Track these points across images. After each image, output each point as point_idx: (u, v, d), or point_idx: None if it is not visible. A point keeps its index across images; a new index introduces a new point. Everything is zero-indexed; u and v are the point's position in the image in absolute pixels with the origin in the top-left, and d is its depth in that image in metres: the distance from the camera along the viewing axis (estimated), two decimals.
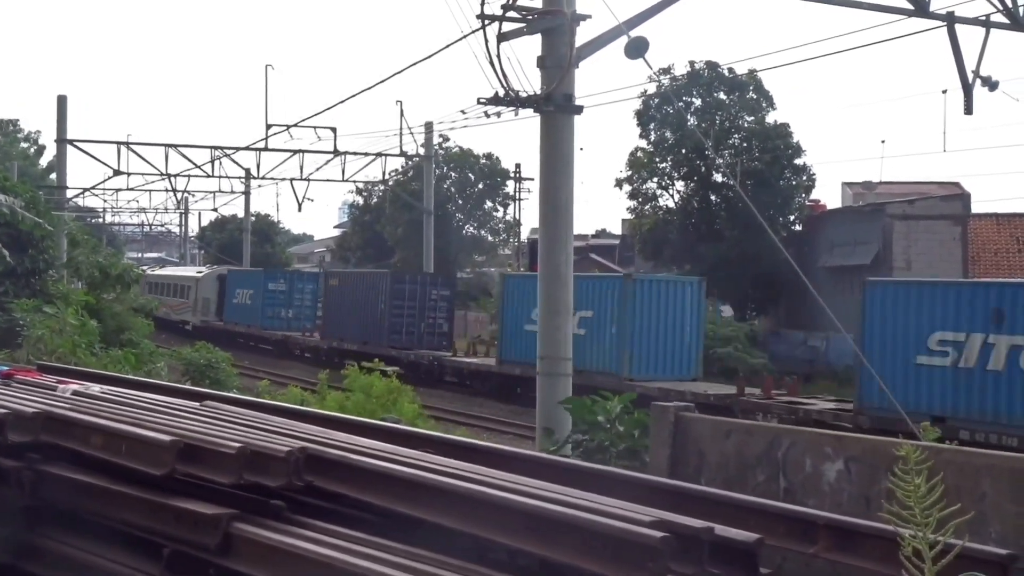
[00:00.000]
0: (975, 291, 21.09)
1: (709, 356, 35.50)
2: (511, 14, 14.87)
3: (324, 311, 43.53)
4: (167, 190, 51.04)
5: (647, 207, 46.82)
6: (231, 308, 50.58)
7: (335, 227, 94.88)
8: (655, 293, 28.70)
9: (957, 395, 20.39)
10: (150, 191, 56.65)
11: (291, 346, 44.34)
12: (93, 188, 52.24)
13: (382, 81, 29.00)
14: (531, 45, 15.14)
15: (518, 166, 60.49)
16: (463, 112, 30.65)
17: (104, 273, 26.73)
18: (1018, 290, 20.37)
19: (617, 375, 27.02)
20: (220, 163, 44.45)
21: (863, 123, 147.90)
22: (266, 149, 40.94)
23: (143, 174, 44.32)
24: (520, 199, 60.75)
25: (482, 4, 14.86)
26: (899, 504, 2.74)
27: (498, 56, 14.89)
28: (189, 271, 61.29)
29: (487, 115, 20.86)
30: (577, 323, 27.48)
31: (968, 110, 17.21)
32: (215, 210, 68.33)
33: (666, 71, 43.71)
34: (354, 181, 50.49)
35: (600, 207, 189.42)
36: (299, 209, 69.79)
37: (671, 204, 46.43)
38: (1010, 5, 16.67)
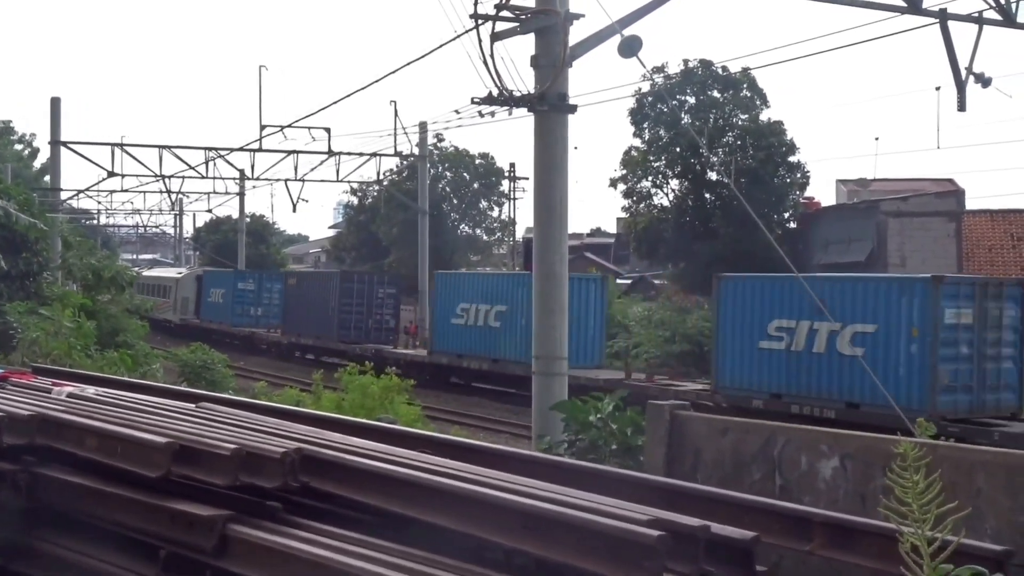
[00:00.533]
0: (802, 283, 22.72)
1: (706, 353, 35.66)
2: (504, 13, 14.87)
3: (284, 309, 46.25)
4: (161, 191, 51.05)
5: (642, 206, 46.84)
6: (207, 307, 53.13)
7: (330, 227, 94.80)
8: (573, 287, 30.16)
9: (790, 374, 23.05)
10: (144, 192, 56.89)
11: (256, 341, 46.46)
12: (87, 190, 52.22)
13: (376, 81, 28.93)
14: (525, 44, 15.15)
15: (512, 165, 60.52)
16: (457, 112, 30.61)
17: (97, 275, 26.69)
18: (835, 283, 23.38)
19: (526, 363, 27.58)
20: (214, 164, 44.38)
21: (857, 120, 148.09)
22: (260, 150, 40.88)
23: (137, 175, 44.19)
24: (515, 198, 60.79)
25: (475, 4, 14.87)
26: (897, 501, 2.74)
27: (492, 56, 14.89)
28: (171, 272, 63.56)
29: (481, 115, 20.85)
30: (494, 316, 32.37)
31: (961, 107, 17.22)
32: (210, 211, 68.24)
33: (660, 70, 43.72)
34: (349, 181, 50.54)
35: (595, 206, 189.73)
36: (294, 210, 69.91)
37: (666, 202, 46.48)
38: (1003, 1, 16.68)
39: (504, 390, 31.61)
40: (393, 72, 40.82)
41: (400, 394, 16.81)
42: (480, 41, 14.89)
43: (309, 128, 38.88)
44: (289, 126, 38.03)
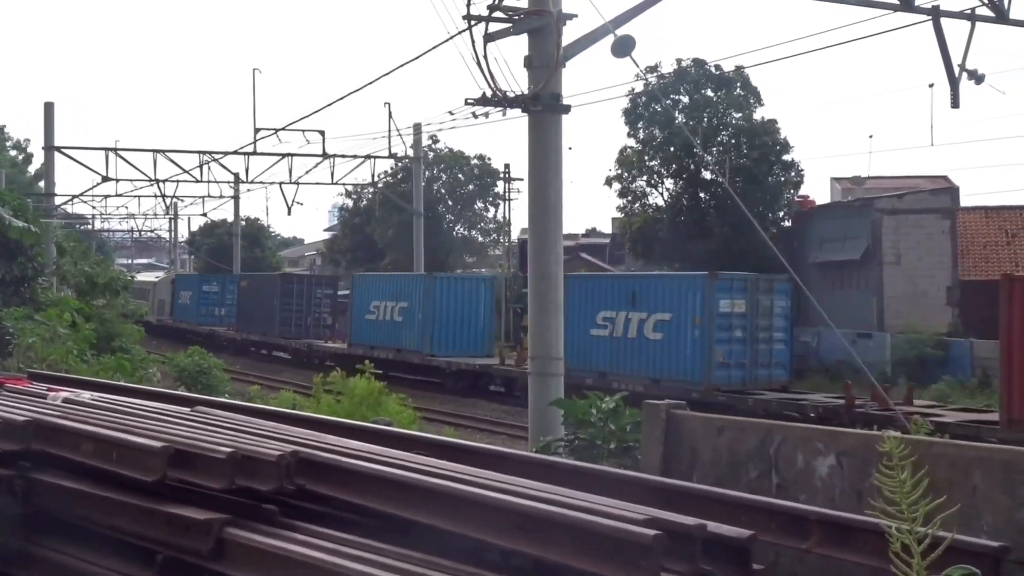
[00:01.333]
0: (620, 281, 31.14)
1: None
2: (497, 14, 14.87)
3: (238, 308, 50.46)
4: (156, 196, 51.01)
5: (637, 205, 46.86)
6: (179, 308, 57.90)
7: (325, 230, 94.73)
8: (453, 288, 35.88)
9: (612, 356, 27.81)
10: (139, 197, 56.71)
11: (216, 338, 49.29)
12: (82, 195, 52.12)
13: (370, 83, 29.01)
14: (518, 45, 15.15)
15: (507, 166, 60.53)
16: (451, 113, 30.76)
17: (92, 281, 26.66)
18: (642, 280, 29.39)
19: (421, 352, 34.65)
20: (209, 168, 44.38)
21: (851, 118, 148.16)
22: (255, 153, 40.84)
23: (132, 180, 44.13)
24: (510, 199, 60.78)
25: (468, 5, 14.87)
26: (885, 500, 2.74)
27: (485, 57, 14.89)
28: (150, 276, 67.50)
29: (475, 116, 20.86)
30: (397, 312, 36.45)
31: (955, 104, 17.24)
32: (204, 215, 68.25)
33: (653, 69, 43.76)
34: (343, 184, 50.48)
35: (590, 206, 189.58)
36: (289, 213, 69.63)
37: (660, 202, 46.47)
38: None
39: (406, 376, 34.66)
40: (387, 74, 41.00)
41: (385, 396, 16.75)
42: (473, 42, 14.90)
43: (303, 131, 38.90)
44: (283, 129, 38.05)
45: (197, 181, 45.02)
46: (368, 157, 43.40)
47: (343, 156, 42.61)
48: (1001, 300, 19.60)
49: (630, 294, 27.88)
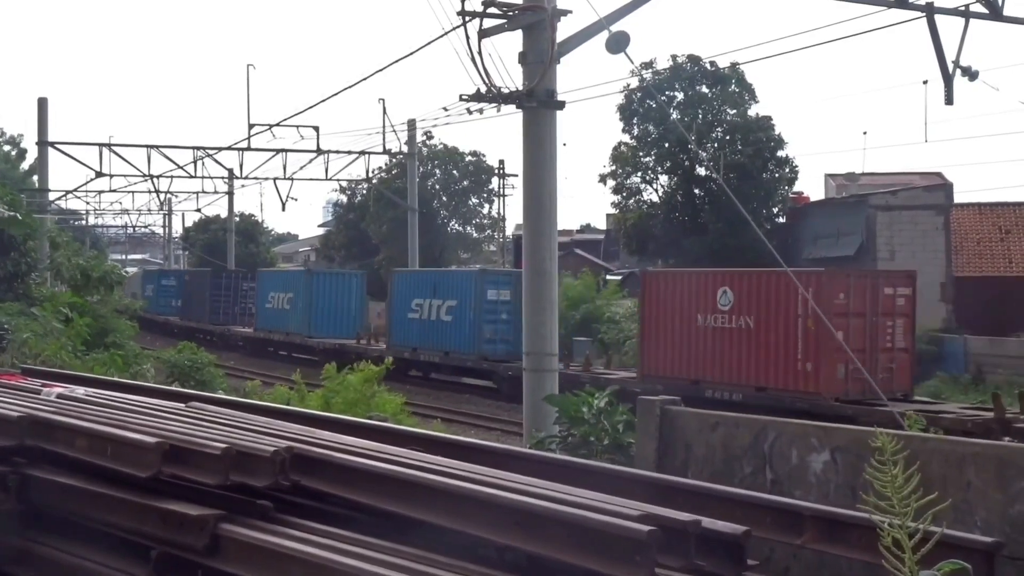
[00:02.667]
0: (426, 274, 37.95)
1: None
2: (492, 10, 14.87)
3: (183, 299, 56.48)
4: (150, 191, 50.89)
5: (631, 201, 46.85)
6: (145, 300, 62.26)
7: (319, 226, 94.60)
8: (329, 282, 42.79)
9: (422, 334, 34.88)
10: (133, 192, 56.73)
11: (170, 326, 55.37)
12: (75, 190, 52.13)
13: (364, 79, 28.89)
14: (512, 41, 15.15)
15: (502, 162, 60.48)
16: (445, 109, 30.74)
17: (86, 276, 26.60)
18: (440, 274, 38.08)
19: (302, 334, 41.28)
20: (203, 163, 44.33)
21: (845, 115, 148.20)
22: (249, 149, 40.83)
23: (126, 175, 44.12)
24: (504, 195, 60.76)
25: (463, 1, 14.87)
26: (877, 495, 2.74)
27: (479, 53, 14.90)
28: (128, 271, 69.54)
29: (470, 112, 20.87)
30: (286, 301, 42.94)
31: (949, 100, 17.27)
32: (198, 211, 68.05)
33: (648, 65, 43.71)
34: (338, 180, 50.44)
35: (584, 202, 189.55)
36: (283, 208, 69.83)
37: (655, 198, 46.48)
38: None
39: (291, 355, 42.03)
40: (381, 70, 40.68)
41: (377, 384, 16.70)
42: (468, 38, 14.90)
43: (298, 127, 38.90)
44: (277, 125, 38.05)
45: (191, 177, 45.02)
46: (362, 153, 43.39)
47: (337, 152, 42.62)
48: None
49: (433, 285, 35.26)
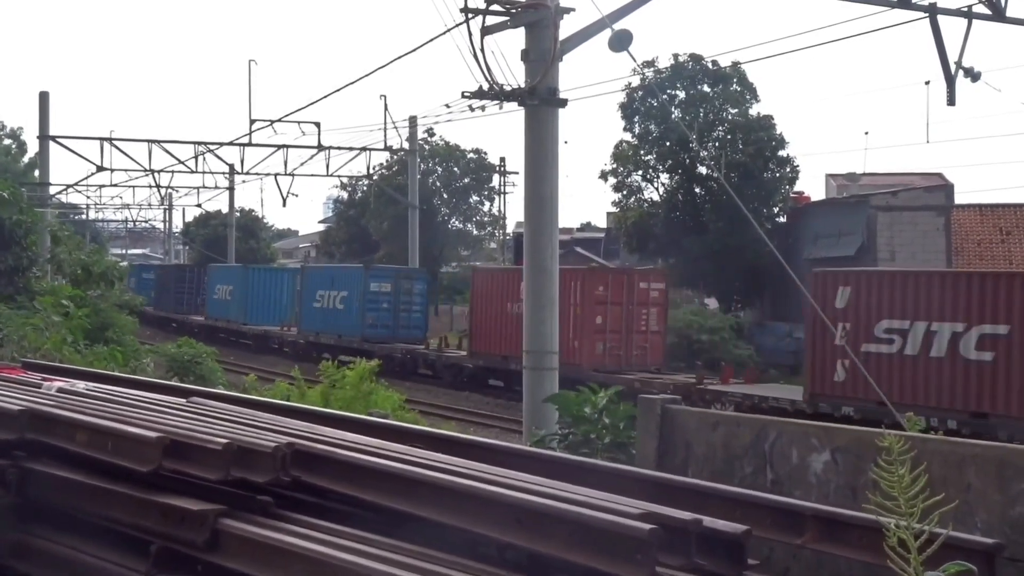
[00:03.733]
0: (327, 270, 46.21)
1: (694, 347, 35.83)
2: (495, 7, 14.87)
3: (156, 291, 60.83)
4: (151, 186, 51.04)
5: (632, 200, 46.83)
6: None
7: (320, 222, 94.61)
8: (263, 276, 49.08)
9: (324, 320, 40.87)
10: (134, 187, 56.81)
11: (145, 315, 59.27)
12: (76, 184, 52.13)
13: (366, 75, 28.98)
14: (515, 38, 15.16)
15: (503, 160, 60.53)
16: (447, 106, 30.70)
17: (87, 271, 26.58)
18: (336, 270, 45.19)
19: (238, 322, 47.57)
20: (204, 158, 44.43)
21: (846, 115, 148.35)
22: (250, 144, 40.89)
23: (126, 170, 44.20)
24: (505, 193, 60.76)
25: None
26: (883, 495, 2.74)
27: (482, 50, 14.90)
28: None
29: (471, 109, 20.86)
30: (228, 293, 49.18)
31: (951, 101, 17.28)
32: (199, 206, 68.19)
33: (650, 64, 43.71)
34: (339, 176, 50.44)
35: (585, 200, 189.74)
36: (284, 204, 69.93)
37: (656, 197, 46.46)
38: None
39: (230, 339, 47.32)
40: (383, 66, 40.64)
41: (373, 380, 16.70)
42: (470, 35, 14.90)
43: (299, 122, 38.98)
44: (279, 120, 38.11)
45: (192, 172, 45.12)
46: (364, 149, 43.42)
47: (338, 148, 42.71)
48: None
49: (331, 279, 41.55)
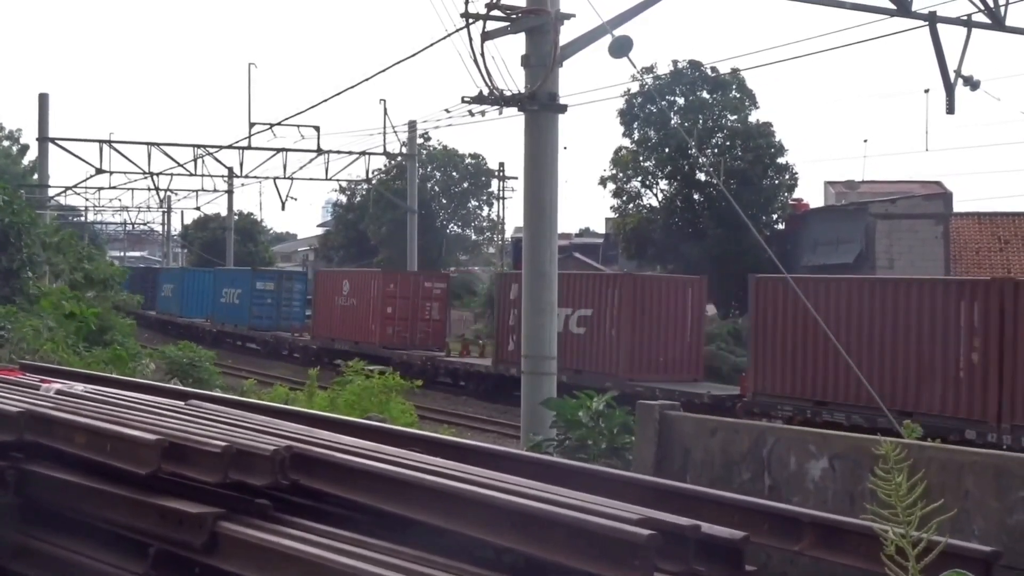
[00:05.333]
0: (232, 273, 52.03)
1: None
2: (495, 13, 14.88)
3: (127, 290, 64.17)
4: (150, 189, 50.98)
5: (631, 206, 46.84)
6: None
7: (318, 226, 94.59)
8: (195, 277, 54.96)
9: (227, 313, 48.62)
10: (132, 190, 56.78)
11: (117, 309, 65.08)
12: (75, 187, 52.12)
13: (366, 80, 28.99)
14: (515, 44, 15.17)
15: (502, 165, 60.49)
16: (447, 111, 30.80)
17: (88, 278, 26.54)
18: (235, 273, 51.68)
19: (175, 315, 54.44)
20: (203, 162, 44.40)
21: (846, 122, 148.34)
22: (249, 148, 40.87)
23: (125, 172, 44.26)
24: (504, 198, 60.77)
25: (466, 3, 14.90)
26: (880, 503, 2.74)
27: (482, 55, 14.91)
28: None
29: (471, 114, 20.90)
30: (171, 291, 55.84)
31: (950, 109, 17.29)
32: (198, 209, 68.04)
33: (649, 70, 43.67)
34: (337, 180, 50.49)
35: (584, 206, 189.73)
36: (282, 208, 69.91)
37: (655, 203, 46.47)
38: (991, 5, 16.75)
39: (180, 332, 50.22)
40: (383, 71, 40.91)
41: (397, 395, 16.78)
42: (471, 40, 14.91)
43: (298, 126, 38.95)
44: (278, 124, 38.10)
45: (191, 175, 45.13)
46: (363, 154, 43.42)
47: (338, 152, 42.67)
48: None
49: (232, 279, 49.50)
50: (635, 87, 40.25)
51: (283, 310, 46.28)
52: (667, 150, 44.54)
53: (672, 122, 41.86)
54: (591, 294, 28.41)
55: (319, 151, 41.03)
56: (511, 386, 25.71)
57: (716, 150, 43.68)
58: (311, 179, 59.68)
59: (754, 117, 44.87)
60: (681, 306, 28.09)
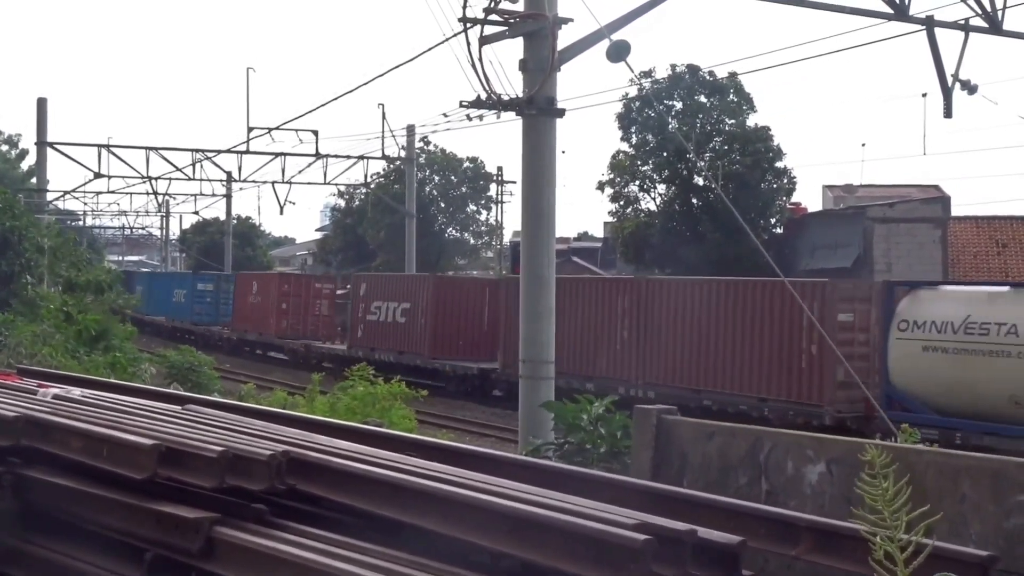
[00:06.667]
0: (174, 276, 62.70)
1: None
2: (493, 17, 14.88)
3: None
4: (148, 193, 51.08)
5: (629, 210, 46.86)
6: None
7: (317, 230, 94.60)
8: (160, 280, 62.02)
9: (175, 310, 55.05)
10: (131, 194, 56.84)
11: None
12: (74, 191, 52.12)
13: (364, 84, 29.03)
14: (513, 48, 15.16)
15: (500, 169, 60.52)
16: (445, 115, 30.82)
17: (87, 284, 26.50)
18: (181, 276, 60.19)
19: (142, 313, 53.02)
20: (201, 166, 44.41)
21: (843, 126, 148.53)
22: (248, 152, 40.90)
23: (124, 177, 44.16)
24: (502, 202, 60.78)
25: (464, 7, 14.88)
26: (869, 508, 2.74)
27: (480, 59, 14.90)
28: None
29: (469, 118, 20.89)
30: (141, 293, 54.08)
31: (948, 113, 17.30)
32: (196, 213, 68.13)
33: (647, 74, 43.76)
34: (336, 184, 50.45)
35: (582, 210, 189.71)
36: (281, 212, 69.92)
37: (653, 207, 46.48)
38: (989, 9, 16.76)
39: (144, 328, 52.78)
40: (381, 75, 40.76)
41: (401, 402, 16.78)
42: (468, 45, 14.91)
43: (297, 130, 38.95)
44: (277, 128, 38.10)
45: (189, 179, 45.09)
46: (361, 158, 43.43)
47: (336, 156, 42.68)
48: None
49: (180, 282, 56.45)
50: (633, 91, 40.28)
51: (221, 308, 51.51)
52: (665, 154, 44.56)
53: (670, 126, 41.88)
54: (410, 292, 36.01)
55: (317, 155, 41.05)
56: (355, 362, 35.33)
57: (714, 154, 43.70)
58: (310, 183, 59.34)
59: (752, 121, 44.94)
60: (478, 301, 34.73)
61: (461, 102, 16.32)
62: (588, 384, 25.02)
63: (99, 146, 40.39)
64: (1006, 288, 20.90)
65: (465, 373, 33.14)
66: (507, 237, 60.82)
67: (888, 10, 16.23)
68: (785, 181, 44.50)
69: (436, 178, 61.35)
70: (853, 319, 21.64)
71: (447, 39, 15.79)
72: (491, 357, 32.75)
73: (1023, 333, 18.31)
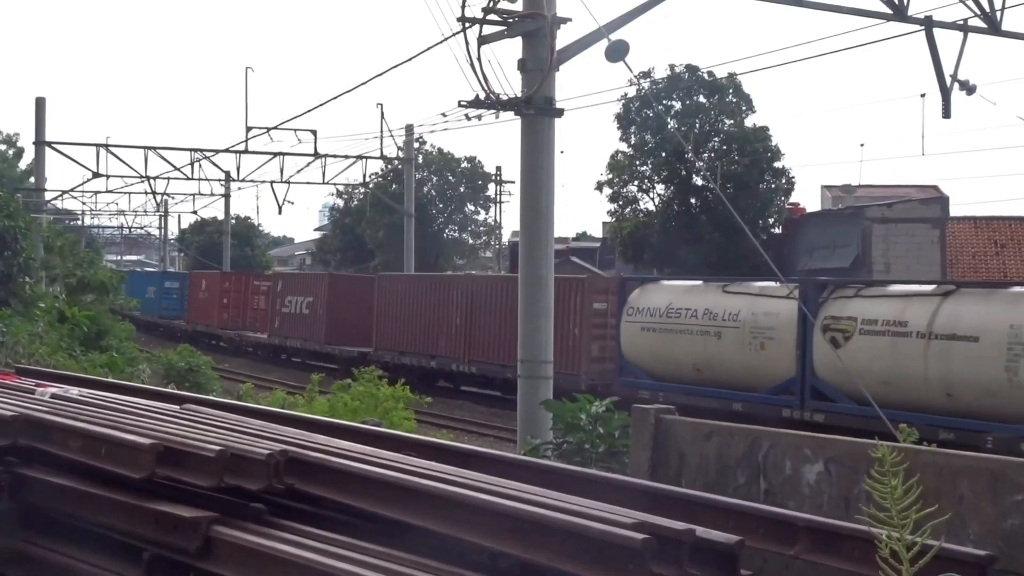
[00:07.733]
0: (150, 275, 71.22)
1: None
2: (492, 17, 14.88)
3: None
4: (146, 192, 51.00)
5: (627, 210, 46.84)
6: None
7: (315, 230, 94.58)
8: (137, 277, 65.83)
9: (147, 306, 54.39)
10: (129, 193, 56.78)
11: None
12: (72, 190, 52.08)
13: (363, 84, 28.98)
14: (512, 48, 15.16)
15: (499, 169, 60.52)
16: (444, 115, 30.76)
17: (84, 284, 26.52)
18: (153, 275, 70.53)
19: (139, 314, 54.46)
20: (200, 165, 44.39)
21: (842, 126, 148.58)
22: (246, 151, 40.86)
23: (122, 176, 44.15)
24: (501, 202, 60.79)
25: (463, 7, 14.88)
26: (876, 506, 2.74)
27: (479, 59, 14.90)
28: None
29: (468, 118, 20.88)
30: (123, 289, 54.11)
31: (946, 114, 17.30)
32: (195, 212, 68.10)
33: (646, 74, 43.75)
34: (335, 184, 50.42)
35: (581, 210, 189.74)
36: (279, 212, 69.80)
37: (651, 207, 46.46)
38: (987, 9, 16.77)
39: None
40: (380, 75, 40.91)
41: (405, 406, 16.80)
42: (467, 44, 14.90)
43: (295, 130, 38.92)
44: (275, 128, 38.07)
45: (188, 179, 45.07)
46: (360, 157, 43.43)
47: (335, 156, 42.67)
48: None
49: (152, 280, 62.99)
50: (632, 91, 40.28)
51: (184, 303, 57.14)
52: (664, 154, 44.54)
53: (669, 126, 41.87)
54: (313, 288, 41.69)
55: (316, 155, 41.02)
56: (279, 351, 44.81)
57: (713, 154, 43.68)
58: (308, 183, 59.31)
59: (751, 121, 44.91)
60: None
61: (460, 102, 16.32)
62: (432, 362, 33.47)
63: (97, 145, 40.38)
64: (699, 282, 25.38)
65: (349, 356, 37.66)
66: (506, 237, 60.84)
67: (887, 10, 16.23)
68: (784, 181, 44.49)
69: (434, 178, 61.36)
70: (606, 307, 27.07)
71: (446, 39, 15.80)
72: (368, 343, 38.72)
73: (701, 316, 22.80)
